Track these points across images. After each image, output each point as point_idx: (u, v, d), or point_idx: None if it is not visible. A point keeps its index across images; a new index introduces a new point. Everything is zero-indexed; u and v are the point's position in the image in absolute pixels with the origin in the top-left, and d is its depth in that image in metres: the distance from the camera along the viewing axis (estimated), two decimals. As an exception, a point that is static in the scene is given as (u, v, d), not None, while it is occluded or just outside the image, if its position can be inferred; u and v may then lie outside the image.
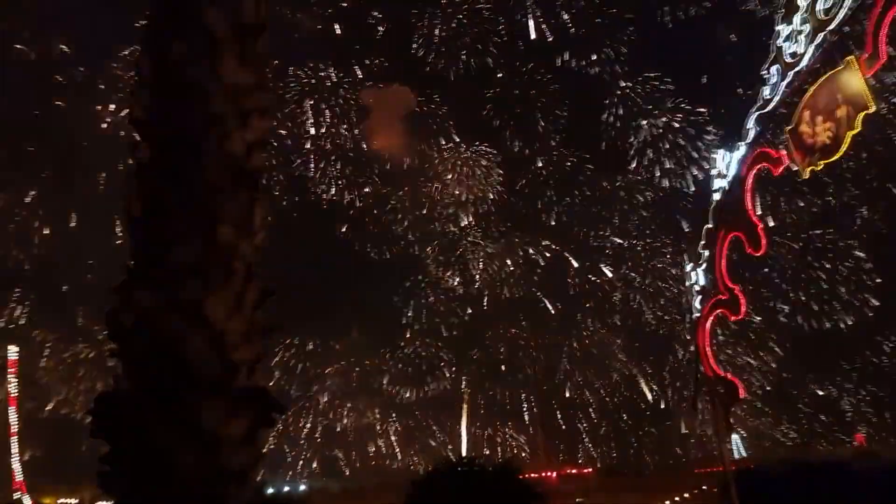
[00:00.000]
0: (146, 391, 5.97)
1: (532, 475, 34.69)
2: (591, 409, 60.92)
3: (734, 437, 42.69)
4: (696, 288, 20.92)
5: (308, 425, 61.54)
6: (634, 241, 63.90)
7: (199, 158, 6.60)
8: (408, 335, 62.50)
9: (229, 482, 6.11)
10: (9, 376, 52.18)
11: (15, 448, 51.10)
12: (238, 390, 6.34)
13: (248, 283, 6.68)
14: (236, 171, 6.81)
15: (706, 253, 20.36)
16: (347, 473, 58.80)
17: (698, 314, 20.61)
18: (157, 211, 6.49)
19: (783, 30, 16.59)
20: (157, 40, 6.91)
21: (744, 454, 41.45)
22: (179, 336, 6.10)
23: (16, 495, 49.49)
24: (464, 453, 52.75)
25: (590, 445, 60.16)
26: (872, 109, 14.41)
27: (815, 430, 57.17)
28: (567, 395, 61.10)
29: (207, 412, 5.97)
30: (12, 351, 53.23)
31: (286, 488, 51.03)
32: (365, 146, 68.04)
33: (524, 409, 62.25)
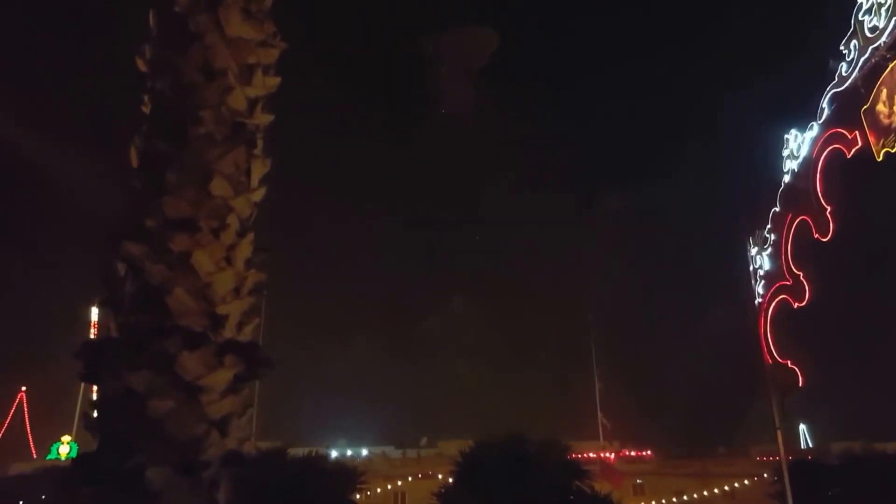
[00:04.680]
0: (128, 338, 6.09)
1: (589, 455, 34.32)
2: (661, 390, 59.15)
3: (801, 426, 40.96)
4: (761, 273, 20.07)
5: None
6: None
7: (197, 111, 6.64)
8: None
9: (210, 429, 6.19)
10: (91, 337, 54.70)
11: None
12: (224, 342, 6.39)
13: (241, 239, 6.71)
14: (235, 126, 6.82)
15: (772, 237, 19.48)
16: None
17: (760, 299, 19.79)
18: (152, 162, 6.57)
19: (864, 2, 15.55)
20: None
21: (811, 444, 39.69)
22: (164, 286, 6.18)
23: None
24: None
25: (657, 428, 58.57)
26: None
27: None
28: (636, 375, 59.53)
29: (187, 361, 6.04)
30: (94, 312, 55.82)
31: (349, 452, 51.89)
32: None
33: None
